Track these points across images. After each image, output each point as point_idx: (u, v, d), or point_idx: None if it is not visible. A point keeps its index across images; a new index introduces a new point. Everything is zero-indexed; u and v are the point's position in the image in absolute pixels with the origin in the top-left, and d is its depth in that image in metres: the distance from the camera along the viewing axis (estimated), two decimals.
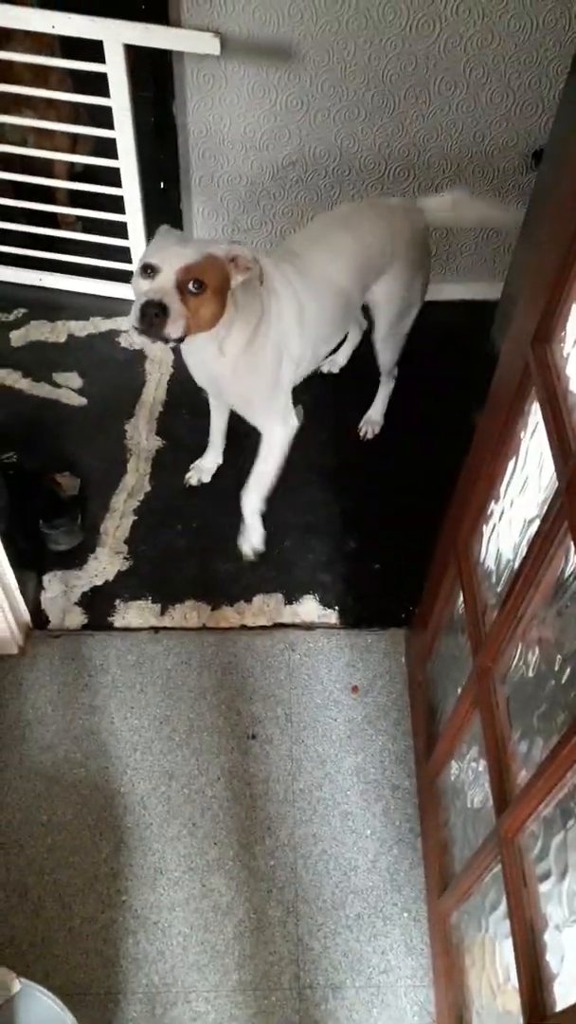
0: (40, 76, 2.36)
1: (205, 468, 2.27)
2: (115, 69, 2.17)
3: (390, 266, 1.97)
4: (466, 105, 2.32)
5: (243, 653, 1.92)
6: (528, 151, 2.39)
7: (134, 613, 1.96)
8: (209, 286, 1.51)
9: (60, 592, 1.99)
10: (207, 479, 2.26)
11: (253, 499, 2.00)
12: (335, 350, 2.41)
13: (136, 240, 2.56)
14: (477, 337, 2.50)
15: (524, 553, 1.18)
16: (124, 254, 2.62)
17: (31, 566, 2.00)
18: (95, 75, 2.21)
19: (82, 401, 2.42)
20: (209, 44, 2.08)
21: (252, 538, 2.06)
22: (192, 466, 2.26)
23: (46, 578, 2.01)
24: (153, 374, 2.51)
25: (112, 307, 2.70)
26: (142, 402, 2.43)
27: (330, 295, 1.86)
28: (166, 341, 1.50)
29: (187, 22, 2.13)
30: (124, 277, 2.68)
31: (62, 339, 2.58)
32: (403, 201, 2.07)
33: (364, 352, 2.30)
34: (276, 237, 2.64)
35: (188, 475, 2.25)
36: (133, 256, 2.61)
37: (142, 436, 2.34)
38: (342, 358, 2.54)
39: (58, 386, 2.45)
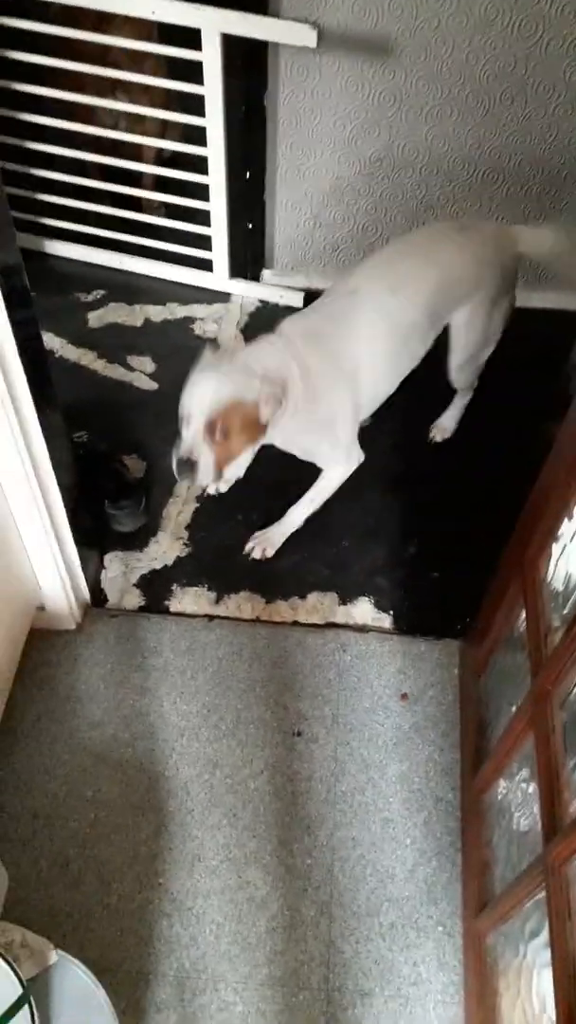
0: (136, 61, 2.38)
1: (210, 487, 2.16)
2: (211, 57, 2.17)
3: (472, 296, 1.90)
4: (563, 110, 2.26)
5: (294, 649, 1.92)
6: None
7: (190, 599, 1.98)
8: (234, 429, 1.65)
9: (120, 572, 2.02)
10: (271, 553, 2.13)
11: (298, 515, 2.04)
12: None
13: (218, 228, 2.57)
14: (560, 348, 2.44)
15: None
16: (205, 242, 2.63)
17: (94, 545, 2.03)
18: (187, 62, 2.22)
19: (154, 385, 2.44)
20: (307, 36, 2.06)
21: (268, 546, 2.06)
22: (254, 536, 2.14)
23: (107, 557, 2.04)
24: None
25: (189, 294, 2.72)
26: None
27: (391, 332, 1.82)
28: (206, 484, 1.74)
29: (285, 13, 2.12)
30: (203, 265, 2.70)
31: (138, 323, 2.61)
32: (495, 227, 2.00)
33: (441, 353, 2.27)
34: (358, 233, 2.62)
35: (248, 547, 2.10)
36: (214, 244, 2.63)
37: None
38: (448, 422, 2.37)
39: (132, 369, 2.48)
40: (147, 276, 2.76)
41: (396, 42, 2.18)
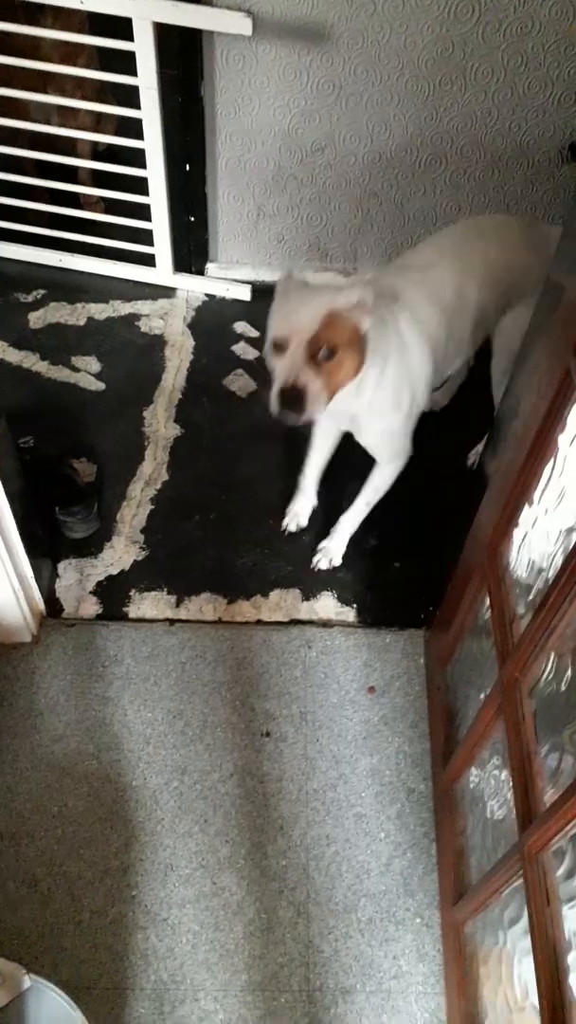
0: (68, 54, 2.31)
1: (301, 512, 2.11)
2: (143, 47, 2.12)
3: (526, 296, 1.82)
4: (502, 94, 2.26)
5: (259, 648, 1.89)
6: (564, 143, 2.33)
7: (149, 604, 1.94)
8: (340, 347, 1.47)
9: (75, 580, 1.96)
10: (305, 522, 2.11)
11: (352, 521, 1.99)
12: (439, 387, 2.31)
13: (159, 222, 2.52)
14: None
15: (560, 564, 1.15)
16: (147, 237, 2.58)
17: (46, 553, 1.97)
18: (122, 53, 2.16)
19: (100, 386, 2.39)
20: (241, 24, 2.02)
21: (334, 555, 2.04)
22: (288, 511, 2.11)
23: (61, 566, 1.99)
24: (173, 360, 2.47)
25: (133, 290, 2.66)
26: (161, 388, 2.39)
27: (460, 309, 1.75)
28: (312, 418, 1.50)
29: (219, 1, 2.07)
30: (146, 260, 2.65)
31: (81, 322, 2.55)
32: (554, 229, 1.90)
33: None
34: (303, 223, 2.59)
35: (285, 521, 2.10)
36: (155, 239, 2.57)
37: (160, 423, 2.31)
38: (444, 397, 2.39)
39: (76, 370, 2.41)
40: (89, 274, 2.69)
41: (333, 29, 2.15)
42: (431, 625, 1.90)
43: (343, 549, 2.04)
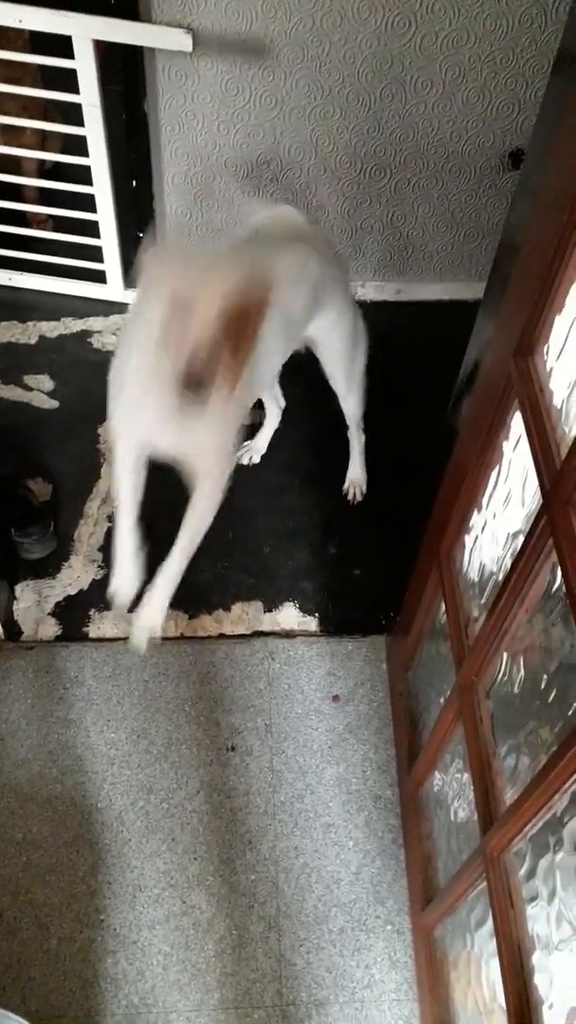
0: (11, 76, 2.30)
1: (120, 589, 1.68)
2: (84, 65, 2.11)
3: (330, 299, 1.75)
4: (442, 104, 2.29)
5: (222, 663, 1.89)
6: (505, 151, 2.37)
7: (109, 623, 1.92)
8: (253, 316, 1.25)
9: (33, 602, 1.94)
10: (131, 596, 1.67)
11: (172, 571, 1.63)
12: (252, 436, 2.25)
13: (108, 238, 2.51)
14: (456, 338, 2.48)
15: (508, 567, 1.16)
16: (97, 253, 2.57)
17: (2, 576, 1.95)
18: (67, 71, 2.15)
19: (54, 404, 2.37)
20: (180, 40, 2.03)
21: (153, 618, 1.63)
22: (109, 591, 1.69)
23: (18, 588, 1.97)
24: None
25: (84, 307, 2.64)
26: None
27: (281, 319, 1.55)
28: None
29: (158, 18, 2.08)
30: (96, 277, 2.63)
31: (33, 340, 2.52)
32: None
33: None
34: None
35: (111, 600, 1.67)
36: (105, 255, 2.56)
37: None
38: (262, 443, 2.26)
39: (29, 389, 2.39)
40: (39, 292, 2.67)
41: (273, 44, 2.16)
42: (392, 631, 1.92)
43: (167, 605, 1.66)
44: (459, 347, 1.87)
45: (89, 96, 2.18)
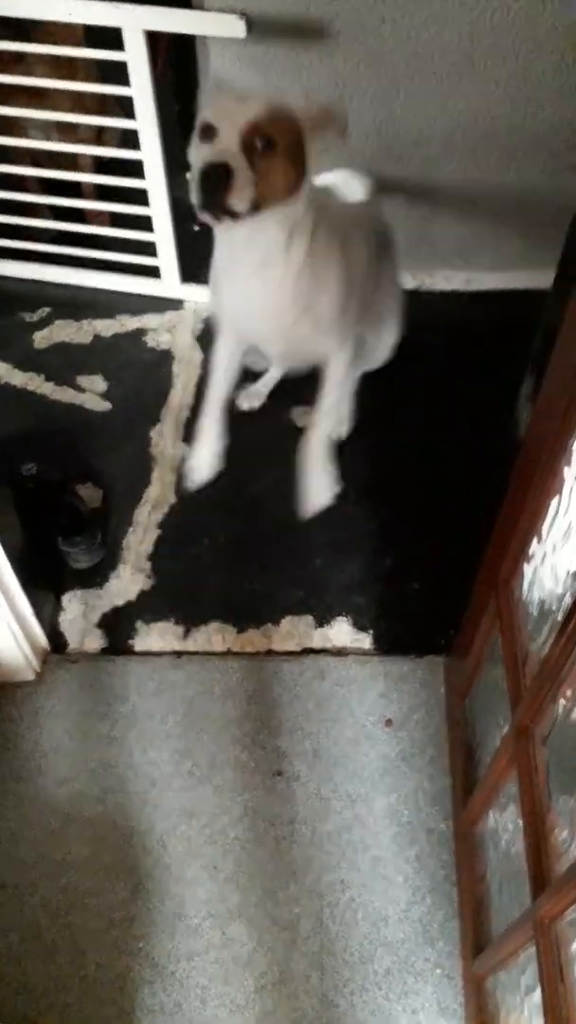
0: (64, 68, 2.25)
1: (199, 465, 1.81)
2: (136, 57, 2.04)
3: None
4: (515, 82, 2.13)
5: (269, 681, 1.82)
6: None
7: (156, 636, 1.87)
8: (279, 144, 1.27)
9: (79, 613, 1.91)
10: (206, 476, 1.80)
11: (321, 437, 1.72)
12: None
13: (163, 233, 2.45)
14: (525, 334, 2.33)
15: (568, 610, 1.05)
16: (151, 248, 2.51)
17: (49, 586, 1.92)
18: (117, 63, 2.09)
19: (106, 406, 2.32)
20: (233, 26, 1.93)
21: (320, 492, 1.72)
22: (184, 465, 1.85)
23: (65, 598, 1.93)
24: (181, 376, 2.40)
25: (139, 304, 2.59)
26: (169, 407, 2.32)
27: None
28: (234, 217, 1.28)
29: (209, 4, 1.98)
30: (152, 272, 2.58)
31: (87, 340, 2.49)
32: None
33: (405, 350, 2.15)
34: None
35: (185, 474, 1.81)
36: (160, 250, 2.50)
37: (168, 443, 2.24)
38: (263, 387, 2.26)
39: (82, 390, 2.36)
40: (95, 289, 2.63)
41: (331, 25, 2.04)
42: (451, 651, 1.80)
43: (328, 481, 1.74)
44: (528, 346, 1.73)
45: (141, 88, 2.11)
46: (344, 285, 1.59)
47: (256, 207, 1.29)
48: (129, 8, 1.95)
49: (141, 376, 2.41)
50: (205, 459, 1.81)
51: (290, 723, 1.76)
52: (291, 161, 1.32)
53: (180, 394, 2.36)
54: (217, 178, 1.24)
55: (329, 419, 1.75)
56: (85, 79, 2.28)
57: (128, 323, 2.54)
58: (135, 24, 1.97)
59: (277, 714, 1.77)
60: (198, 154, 1.31)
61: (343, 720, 1.76)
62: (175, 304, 2.59)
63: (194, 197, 1.30)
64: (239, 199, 1.26)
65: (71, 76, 2.25)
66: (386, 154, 2.30)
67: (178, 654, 1.85)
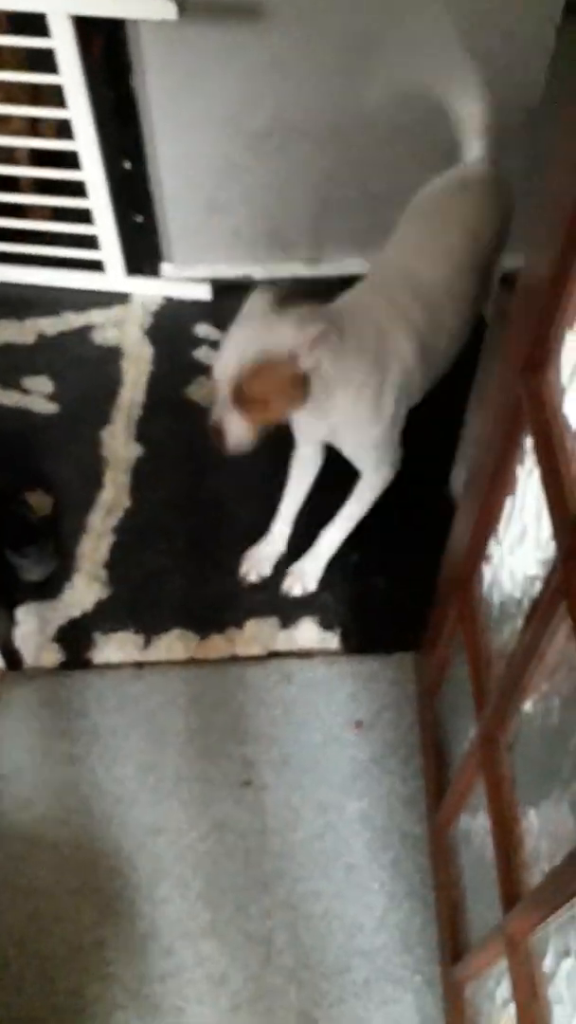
0: None
1: (265, 558, 1.92)
2: (63, 43, 1.95)
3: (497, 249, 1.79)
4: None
5: (234, 688, 1.77)
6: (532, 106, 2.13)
7: (115, 647, 1.81)
8: (266, 393, 1.45)
9: (34, 628, 1.84)
10: (268, 571, 1.91)
11: (334, 540, 1.86)
12: None
13: (104, 225, 2.36)
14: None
15: (527, 615, 1.00)
16: (92, 242, 2.42)
17: (1, 601, 1.85)
18: (46, 51, 1.99)
19: (53, 408, 2.25)
20: (164, 9, 1.85)
21: (308, 579, 1.88)
22: (246, 556, 1.92)
23: (19, 612, 1.87)
24: (130, 372, 2.33)
25: (84, 300, 2.51)
26: (119, 405, 2.25)
27: (449, 305, 1.67)
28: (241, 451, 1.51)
29: None
30: (94, 266, 2.49)
31: (31, 339, 2.40)
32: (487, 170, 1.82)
33: None
34: (257, 213, 2.42)
35: (243, 569, 1.91)
36: (103, 242, 2.42)
37: (120, 444, 2.17)
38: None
39: (27, 392, 2.28)
40: (36, 286, 2.54)
41: (265, 3, 1.96)
42: (421, 648, 1.76)
43: (320, 573, 1.90)
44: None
45: (70, 76, 2.02)
46: (382, 420, 1.64)
47: (257, 437, 1.51)
48: None
49: (89, 375, 2.34)
50: (268, 557, 1.93)
51: (256, 730, 1.71)
52: (282, 399, 1.48)
53: (130, 391, 2.29)
54: (218, 434, 1.49)
55: (347, 526, 1.85)
56: (13, 68, 2.18)
57: (73, 320, 2.46)
58: (60, 9, 1.88)
59: (243, 722, 1.72)
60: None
61: (311, 724, 1.72)
62: (121, 298, 2.51)
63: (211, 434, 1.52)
64: (236, 444, 1.50)
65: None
66: (330, 137, 2.23)
67: (139, 665, 1.80)
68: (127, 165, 2.26)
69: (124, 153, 2.24)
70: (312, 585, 1.89)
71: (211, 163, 2.29)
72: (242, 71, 2.09)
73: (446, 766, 1.54)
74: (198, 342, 2.41)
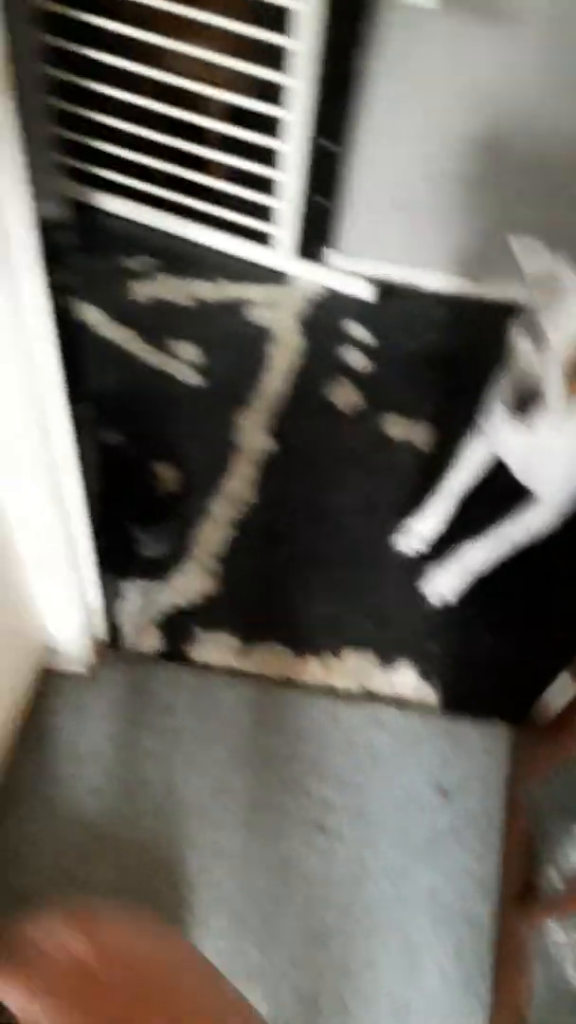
0: (223, 5, 2.02)
1: (424, 533, 1.89)
2: (308, 8, 1.82)
3: None
4: None
5: (324, 721, 1.70)
6: None
7: (213, 647, 1.75)
8: None
9: (139, 607, 1.79)
10: (423, 548, 1.89)
11: (484, 556, 1.78)
12: None
13: (288, 201, 2.25)
14: None
15: None
16: (268, 213, 2.32)
17: (115, 571, 1.80)
18: (278, 10, 1.87)
19: (197, 380, 2.17)
20: None
21: (447, 591, 1.82)
22: (404, 526, 1.90)
23: (126, 586, 1.81)
24: (278, 360, 2.23)
25: (242, 270, 2.41)
26: (260, 392, 2.16)
27: None
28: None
29: None
30: (261, 238, 2.39)
31: (187, 302, 2.32)
32: None
33: None
34: (441, 221, 2.29)
35: (398, 538, 1.90)
36: (281, 218, 2.31)
37: (254, 433, 2.08)
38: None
39: (175, 357, 2.20)
40: (199, 245, 2.45)
41: (523, 11, 1.81)
42: (523, 724, 1.67)
43: (460, 587, 1.82)
44: None
45: (307, 43, 1.89)
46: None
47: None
48: None
49: (236, 352, 2.25)
50: (419, 533, 1.89)
51: (341, 773, 1.64)
52: None
53: (274, 380, 2.19)
54: (530, 397, 1.35)
55: (496, 547, 1.76)
56: (238, 19, 2.06)
57: (230, 290, 2.37)
58: None
59: (328, 760, 1.65)
60: (519, 347, 1.37)
61: (396, 780, 1.65)
62: (280, 277, 2.41)
63: (504, 401, 1.41)
64: (543, 420, 1.37)
65: (226, 14, 2.03)
66: (537, 157, 2.09)
67: (232, 673, 1.74)
68: (328, 144, 2.13)
69: (329, 132, 2.12)
70: (451, 597, 1.82)
71: (409, 161, 2.16)
72: (473, 75, 1.95)
73: (537, 863, 1.46)
74: (350, 342, 2.30)
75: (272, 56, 2.01)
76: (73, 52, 2.16)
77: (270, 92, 2.08)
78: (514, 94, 1.99)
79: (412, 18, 1.86)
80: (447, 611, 1.84)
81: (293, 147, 2.13)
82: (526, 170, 2.13)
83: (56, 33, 2.14)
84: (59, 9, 2.08)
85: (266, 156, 2.20)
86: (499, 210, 2.23)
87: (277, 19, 1.93)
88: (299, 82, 1.98)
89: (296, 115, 2.06)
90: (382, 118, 2.08)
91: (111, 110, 2.30)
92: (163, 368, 2.17)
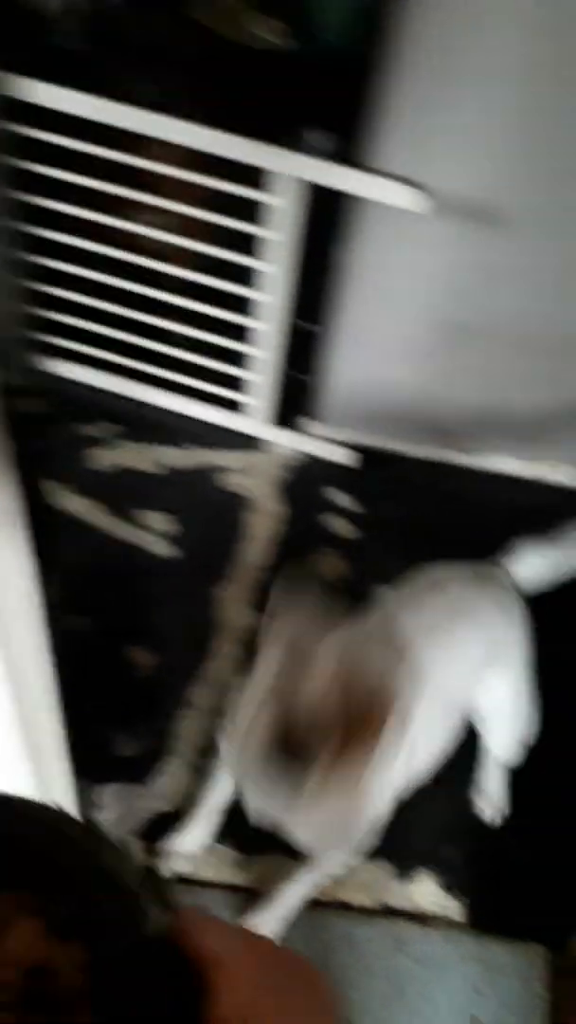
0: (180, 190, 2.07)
1: (187, 844, 1.58)
2: (283, 203, 1.88)
3: (503, 655, 1.51)
4: None
5: (338, 943, 1.49)
6: None
7: (204, 859, 1.55)
8: None
9: (118, 814, 1.58)
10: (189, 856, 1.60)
11: (296, 896, 1.50)
12: None
13: (262, 376, 2.25)
14: None
15: None
16: (237, 384, 2.31)
17: (86, 774, 1.59)
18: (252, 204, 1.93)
19: (170, 551, 2.06)
20: (413, 200, 1.79)
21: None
22: (171, 841, 1.59)
23: (103, 790, 1.60)
24: (258, 529, 2.15)
25: (213, 436, 2.36)
26: (239, 563, 2.06)
27: (448, 714, 1.42)
28: None
29: (386, 166, 1.84)
30: (232, 406, 2.37)
31: (154, 469, 2.24)
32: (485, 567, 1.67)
33: None
34: (421, 398, 2.32)
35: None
36: (253, 388, 2.30)
37: (235, 609, 1.97)
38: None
39: (144, 528, 2.09)
40: (165, 410, 2.39)
41: (511, 213, 1.91)
42: (565, 949, 1.51)
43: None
44: None
45: (280, 234, 1.94)
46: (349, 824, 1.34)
47: None
48: (295, 157, 1.79)
49: (211, 521, 2.16)
50: (195, 840, 1.59)
51: (358, 1004, 1.44)
52: None
53: (254, 550, 2.11)
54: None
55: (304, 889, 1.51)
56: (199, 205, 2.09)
57: (201, 456, 2.31)
58: (295, 171, 1.82)
59: (346, 989, 1.44)
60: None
61: (424, 1012, 1.45)
62: (255, 443, 2.37)
63: None
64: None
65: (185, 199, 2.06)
66: (522, 346, 2.16)
67: (232, 888, 1.52)
68: (306, 325, 2.17)
69: (306, 314, 2.15)
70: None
71: (391, 341, 2.21)
72: (460, 266, 2.03)
73: None
74: (332, 509, 2.25)
75: (249, 243, 2.06)
76: (32, 233, 2.14)
77: (246, 275, 2.11)
78: (503, 286, 2.05)
79: (395, 217, 1.92)
80: (465, 812, 1.68)
81: (269, 326, 2.15)
82: (517, 352, 2.19)
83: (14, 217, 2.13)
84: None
85: (239, 332, 2.21)
86: (484, 388, 2.28)
87: (254, 212, 1.98)
88: (277, 269, 2.02)
89: (273, 298, 2.08)
90: (364, 302, 2.12)
91: (73, 285, 2.28)
92: (131, 540, 2.05)
